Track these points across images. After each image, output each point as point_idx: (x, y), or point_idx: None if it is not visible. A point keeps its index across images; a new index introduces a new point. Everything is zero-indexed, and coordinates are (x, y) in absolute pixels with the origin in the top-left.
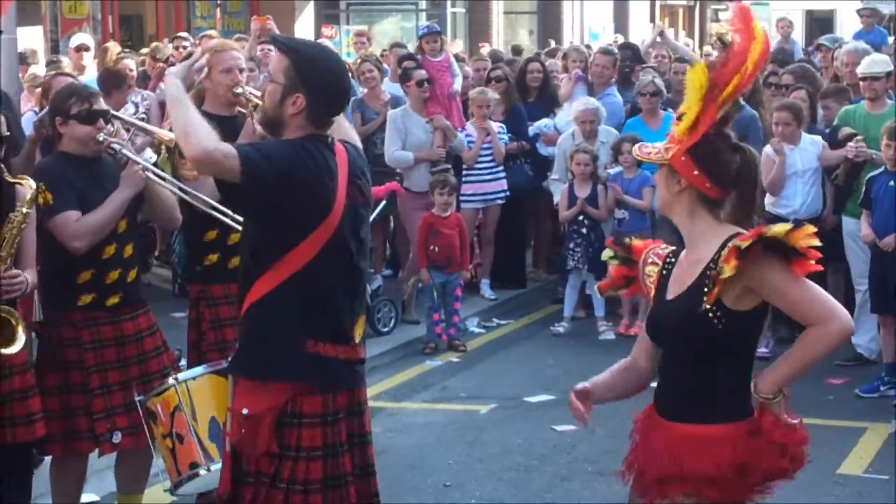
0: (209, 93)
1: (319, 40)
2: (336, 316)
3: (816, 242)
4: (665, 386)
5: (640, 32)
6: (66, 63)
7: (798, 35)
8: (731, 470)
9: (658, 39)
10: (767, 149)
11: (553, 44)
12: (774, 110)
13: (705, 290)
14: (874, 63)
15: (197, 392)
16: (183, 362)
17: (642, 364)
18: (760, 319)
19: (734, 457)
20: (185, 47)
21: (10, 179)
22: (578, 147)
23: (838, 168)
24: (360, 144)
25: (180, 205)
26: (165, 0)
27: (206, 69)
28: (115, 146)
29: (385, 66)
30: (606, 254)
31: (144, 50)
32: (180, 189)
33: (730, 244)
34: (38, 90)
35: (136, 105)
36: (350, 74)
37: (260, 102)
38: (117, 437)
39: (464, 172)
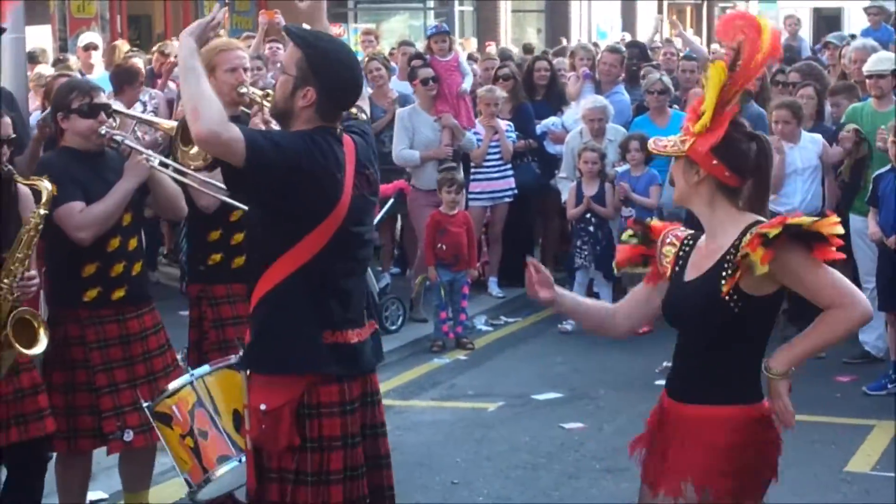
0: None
1: None
2: (347, 303)
3: (840, 230)
4: (678, 369)
5: (648, 31)
6: (74, 62)
7: (806, 33)
8: (733, 451)
9: (658, 35)
10: None
11: (565, 42)
12: (773, 108)
13: (724, 274)
14: (880, 61)
15: (215, 386)
16: (179, 355)
17: (618, 319)
18: (777, 305)
19: (737, 438)
20: None
21: (24, 181)
22: (586, 145)
23: (842, 165)
24: (367, 112)
25: (185, 202)
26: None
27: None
28: (118, 138)
29: (393, 64)
30: (626, 233)
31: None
32: (184, 175)
33: (752, 231)
34: (42, 90)
35: (145, 104)
36: None
37: (262, 102)
38: (129, 436)
39: (472, 170)
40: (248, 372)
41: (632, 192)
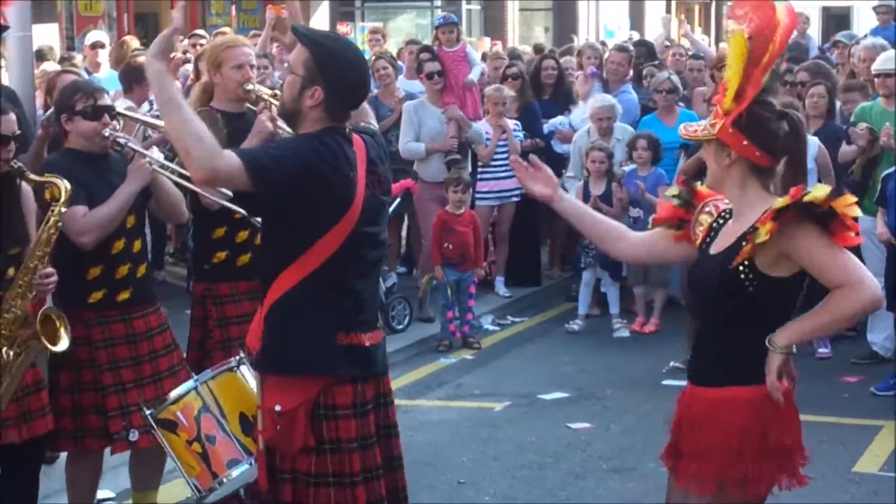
0: (219, 88)
1: None
2: (361, 304)
3: (857, 212)
4: (697, 352)
5: (656, 30)
6: (79, 60)
7: (814, 31)
8: (750, 431)
9: (673, 37)
10: None
11: (576, 40)
12: None
13: (739, 248)
14: (887, 60)
15: (220, 390)
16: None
17: (623, 241)
18: (796, 288)
19: (754, 418)
20: (201, 45)
21: (38, 179)
22: (594, 144)
23: (853, 164)
24: (376, 126)
25: (189, 201)
26: None
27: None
28: (121, 140)
29: (400, 63)
30: (671, 190)
31: None
32: (188, 179)
33: (769, 208)
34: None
35: (151, 102)
36: None
37: (269, 99)
38: (134, 435)
39: (479, 170)
40: (261, 374)
41: (636, 193)
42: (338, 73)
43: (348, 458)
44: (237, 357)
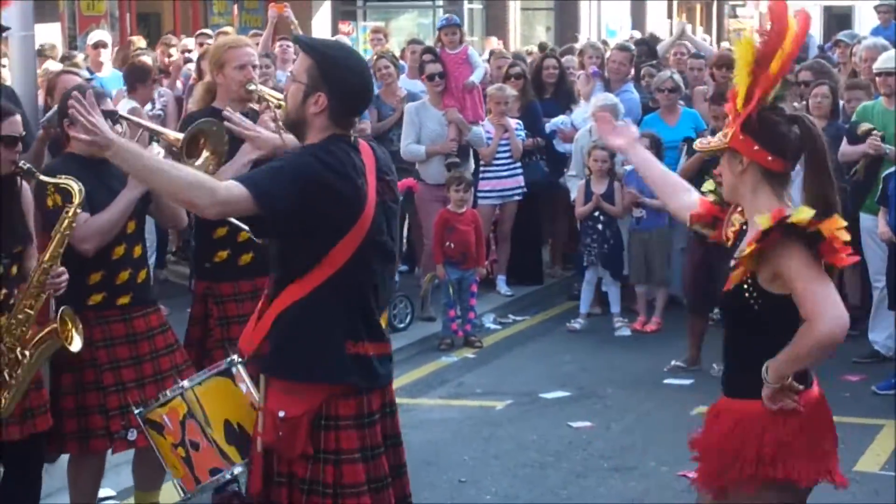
0: (221, 88)
1: (336, 37)
2: (371, 313)
3: (845, 236)
4: (724, 359)
5: (658, 29)
6: (80, 59)
7: (816, 30)
8: (758, 446)
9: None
10: None
11: (580, 39)
12: None
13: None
14: (889, 59)
15: (205, 397)
16: None
17: (676, 200)
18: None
19: (756, 431)
20: (208, 44)
21: (49, 180)
22: (596, 143)
23: (857, 164)
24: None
25: None
26: None
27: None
28: None
29: (402, 62)
30: (707, 185)
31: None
32: None
33: (758, 226)
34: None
35: (153, 102)
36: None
37: (272, 99)
38: (132, 435)
39: (481, 169)
40: (267, 377)
41: (641, 195)
42: (341, 79)
43: (351, 470)
44: (229, 359)
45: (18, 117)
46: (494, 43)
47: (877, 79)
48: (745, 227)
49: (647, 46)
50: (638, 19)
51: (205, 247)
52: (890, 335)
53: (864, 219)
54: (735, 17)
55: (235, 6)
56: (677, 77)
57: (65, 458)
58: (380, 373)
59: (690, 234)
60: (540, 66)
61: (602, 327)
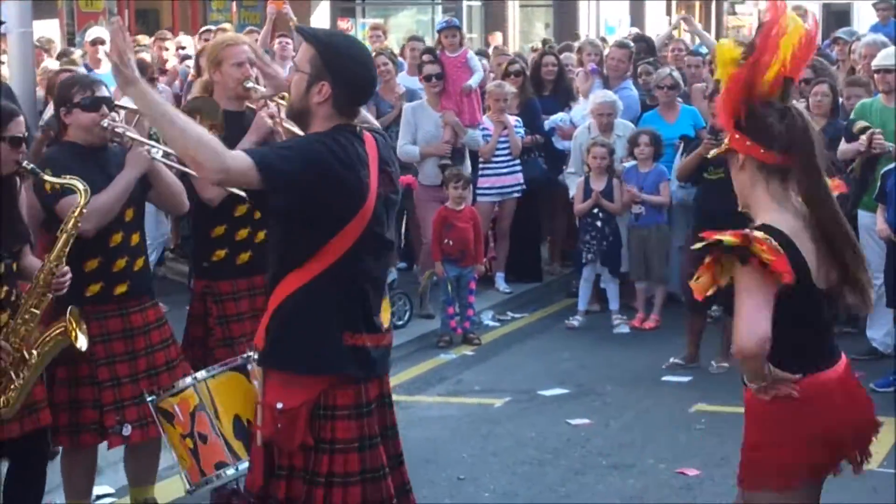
0: (219, 86)
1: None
2: (369, 305)
3: (768, 256)
4: None
5: (657, 26)
6: (78, 55)
7: None
8: (756, 432)
9: (674, 33)
10: None
11: (581, 36)
12: None
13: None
14: (887, 56)
15: (217, 390)
16: None
17: None
18: (788, 303)
19: (758, 421)
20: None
21: (54, 180)
22: (595, 140)
23: (854, 162)
24: (378, 127)
25: (189, 197)
26: None
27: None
28: (120, 129)
29: (401, 59)
30: None
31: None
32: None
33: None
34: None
35: None
36: None
37: (268, 96)
38: (127, 430)
39: (480, 166)
40: (265, 369)
41: (641, 192)
42: (344, 67)
43: (344, 459)
44: (245, 355)
45: (22, 118)
46: (499, 39)
47: (875, 76)
48: None
49: (646, 44)
50: (637, 17)
51: (203, 246)
52: (888, 332)
53: (862, 216)
54: (734, 13)
55: (234, 3)
56: (676, 74)
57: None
58: (377, 363)
59: (689, 231)
60: (539, 63)
61: (601, 324)
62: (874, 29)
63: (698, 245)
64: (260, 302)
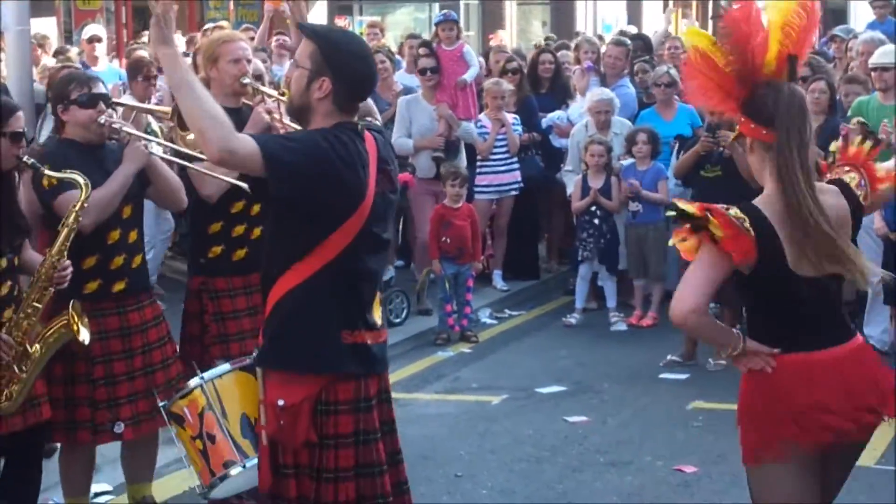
0: (215, 83)
1: None
2: (366, 303)
3: (719, 232)
4: None
5: (654, 24)
6: (74, 53)
7: None
8: (743, 410)
9: (670, 29)
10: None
11: (579, 33)
12: None
13: None
14: (884, 54)
15: (224, 390)
16: None
17: None
18: (750, 284)
19: (744, 395)
20: None
21: (55, 175)
22: (593, 138)
23: None
24: (380, 122)
25: (187, 193)
26: None
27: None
28: (117, 125)
29: (398, 57)
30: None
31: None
32: (188, 157)
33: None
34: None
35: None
36: None
37: (266, 92)
38: (119, 428)
39: (478, 164)
40: (264, 368)
41: (641, 189)
42: (344, 63)
43: (338, 454)
44: (254, 354)
45: (22, 113)
46: (501, 38)
47: (872, 73)
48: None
49: (643, 41)
50: (634, 15)
51: (200, 242)
52: (885, 329)
53: None
54: None
55: (231, 1)
56: (674, 72)
57: (58, 453)
58: (377, 360)
59: None
60: (536, 60)
61: (598, 322)
62: (871, 26)
63: (670, 212)
64: (257, 300)
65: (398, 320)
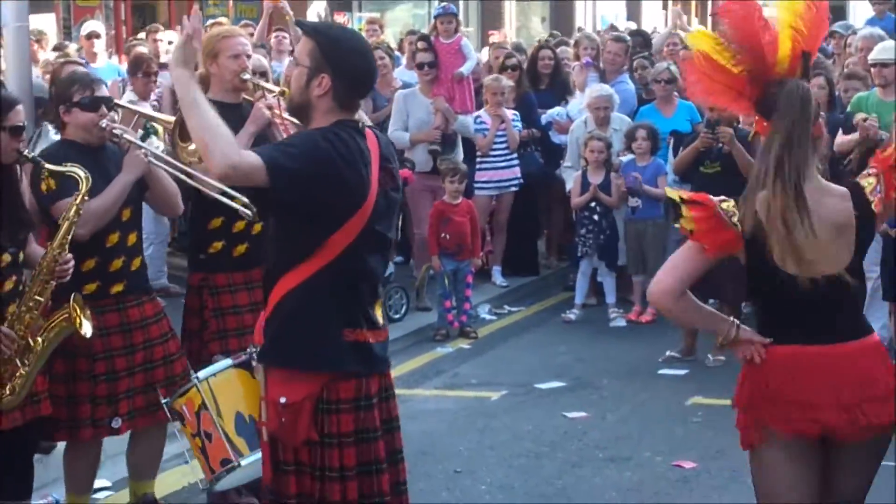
0: (215, 78)
1: None
2: (368, 301)
3: (689, 225)
4: None
5: (653, 21)
6: (73, 49)
7: None
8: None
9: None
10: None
11: (578, 31)
12: None
13: None
14: (884, 50)
15: (219, 388)
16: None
17: None
18: (750, 272)
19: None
20: None
21: (56, 169)
22: (592, 134)
23: (851, 154)
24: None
25: (185, 191)
26: None
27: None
28: (118, 131)
29: (398, 53)
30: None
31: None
32: (185, 173)
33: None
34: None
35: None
36: None
37: (265, 86)
38: (116, 423)
39: (478, 160)
40: (266, 366)
41: (643, 184)
42: (344, 59)
43: (342, 453)
44: (249, 351)
45: (21, 107)
46: (502, 35)
47: (872, 69)
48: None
49: (642, 38)
50: (633, 11)
51: (200, 238)
52: (884, 325)
53: None
54: None
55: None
56: (674, 68)
57: (60, 449)
58: (379, 358)
59: None
60: (535, 57)
61: (597, 318)
62: (871, 22)
63: (670, 194)
64: (259, 295)
65: (397, 316)
